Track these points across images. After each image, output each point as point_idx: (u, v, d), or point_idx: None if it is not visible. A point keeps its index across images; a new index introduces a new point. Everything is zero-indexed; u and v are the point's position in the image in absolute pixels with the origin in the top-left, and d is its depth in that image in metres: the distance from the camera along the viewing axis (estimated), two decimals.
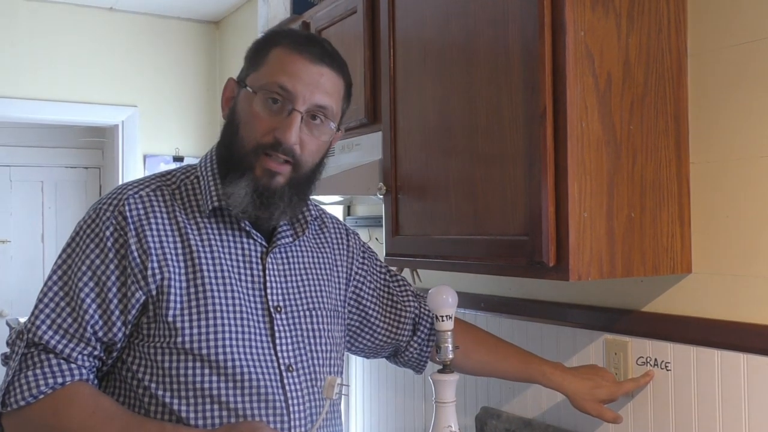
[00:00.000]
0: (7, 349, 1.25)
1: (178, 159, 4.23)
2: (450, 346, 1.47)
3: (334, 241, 1.48)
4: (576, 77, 1.30)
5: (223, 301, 1.23)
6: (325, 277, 1.41)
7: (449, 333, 1.47)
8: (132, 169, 4.16)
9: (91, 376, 1.22)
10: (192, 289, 1.22)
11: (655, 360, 1.53)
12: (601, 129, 1.34)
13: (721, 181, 1.41)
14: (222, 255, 1.26)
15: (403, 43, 1.72)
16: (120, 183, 4.05)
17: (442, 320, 1.46)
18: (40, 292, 1.23)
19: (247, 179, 1.23)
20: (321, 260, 1.42)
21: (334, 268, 1.45)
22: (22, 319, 4.55)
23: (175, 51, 4.29)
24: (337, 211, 2.83)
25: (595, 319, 1.67)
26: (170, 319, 1.20)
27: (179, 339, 1.20)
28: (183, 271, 1.23)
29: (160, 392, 1.21)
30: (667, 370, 1.51)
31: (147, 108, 4.20)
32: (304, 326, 1.32)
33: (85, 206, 5.65)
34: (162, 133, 4.25)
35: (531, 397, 1.85)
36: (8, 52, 3.85)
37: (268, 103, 1.24)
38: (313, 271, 1.39)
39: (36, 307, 1.21)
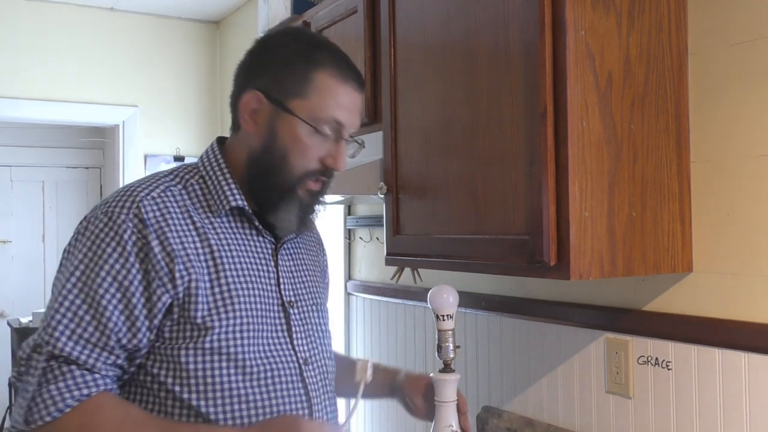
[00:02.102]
0: (21, 367, 1.18)
1: (178, 159, 4.23)
2: (451, 346, 1.47)
3: (313, 244, 1.50)
4: (576, 76, 1.30)
5: (247, 299, 1.24)
6: (318, 274, 1.45)
7: (450, 332, 1.47)
8: (133, 169, 4.15)
9: (115, 386, 1.20)
10: (216, 289, 1.22)
11: (656, 359, 1.53)
12: (601, 128, 1.34)
13: (722, 179, 1.41)
14: (240, 253, 1.27)
15: (404, 42, 1.72)
16: (121, 183, 4.07)
17: (443, 320, 1.47)
18: (55, 301, 1.17)
19: (293, 203, 1.28)
20: (312, 258, 1.46)
21: (318, 267, 1.48)
22: (24, 320, 4.55)
23: (175, 51, 4.28)
24: (338, 211, 2.84)
25: (596, 318, 1.67)
26: (199, 320, 1.19)
27: (207, 338, 1.19)
28: (206, 271, 1.22)
29: (185, 395, 1.19)
30: (668, 369, 1.51)
31: (148, 108, 4.20)
32: (313, 320, 1.36)
33: (86, 206, 5.65)
34: (163, 132, 4.25)
35: (532, 397, 1.85)
36: (9, 52, 3.85)
37: (320, 133, 1.26)
38: (311, 268, 1.43)
39: (52, 317, 1.15)
